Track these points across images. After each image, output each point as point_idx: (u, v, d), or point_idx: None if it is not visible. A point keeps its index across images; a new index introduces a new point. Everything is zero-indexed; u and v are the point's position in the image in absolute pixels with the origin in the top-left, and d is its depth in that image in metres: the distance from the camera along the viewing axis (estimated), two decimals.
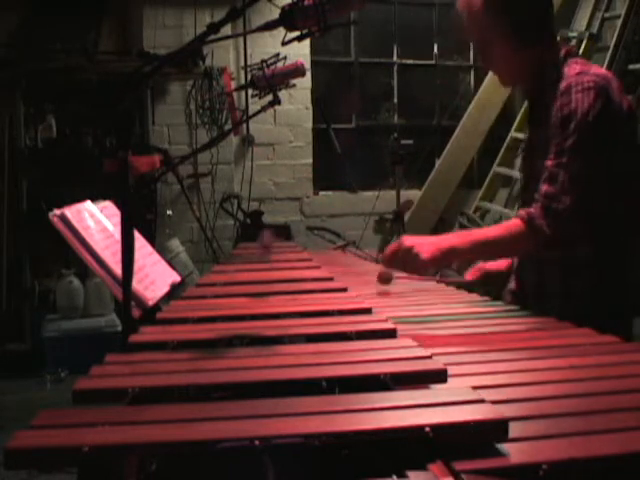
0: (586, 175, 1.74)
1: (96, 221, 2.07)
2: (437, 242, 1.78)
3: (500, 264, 2.13)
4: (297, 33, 1.47)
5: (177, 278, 2.26)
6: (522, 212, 1.77)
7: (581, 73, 1.80)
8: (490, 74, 6.22)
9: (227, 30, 2.48)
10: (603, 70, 1.91)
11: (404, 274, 1.93)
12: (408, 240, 1.78)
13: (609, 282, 1.86)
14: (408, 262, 1.76)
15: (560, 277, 1.87)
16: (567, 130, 1.75)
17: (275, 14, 1.47)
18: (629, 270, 1.88)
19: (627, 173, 1.83)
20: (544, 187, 1.76)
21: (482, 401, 0.93)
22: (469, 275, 2.17)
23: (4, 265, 5.18)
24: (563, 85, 1.80)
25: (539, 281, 1.93)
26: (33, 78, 5.15)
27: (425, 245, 1.75)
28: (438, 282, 2.18)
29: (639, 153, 1.88)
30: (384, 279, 2.00)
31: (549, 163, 1.77)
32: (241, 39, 5.86)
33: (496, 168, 6.08)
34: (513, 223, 1.78)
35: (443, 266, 2.07)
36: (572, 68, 1.83)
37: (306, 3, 1.42)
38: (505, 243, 1.79)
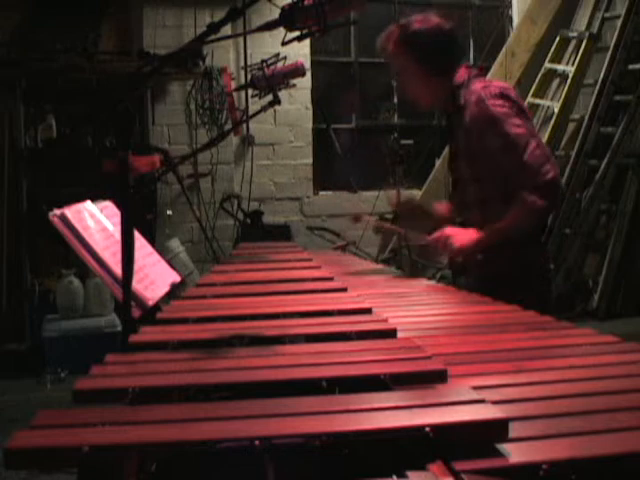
0: (544, 149, 2.16)
1: (96, 221, 2.07)
2: (468, 235, 2.21)
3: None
4: (297, 33, 1.47)
5: (177, 278, 2.26)
6: (520, 196, 2.12)
7: (486, 86, 2.23)
8: (493, 69, 6.23)
9: (227, 30, 2.49)
10: (503, 83, 2.42)
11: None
12: (449, 230, 2.23)
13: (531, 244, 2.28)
14: (446, 247, 2.22)
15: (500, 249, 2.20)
16: (502, 130, 2.14)
17: (275, 14, 1.47)
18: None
19: None
20: (524, 175, 2.12)
21: (482, 401, 0.93)
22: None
23: (4, 265, 5.18)
24: (473, 98, 2.22)
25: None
26: (33, 78, 5.15)
27: (460, 236, 2.21)
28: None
29: None
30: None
31: (515, 161, 2.13)
32: (241, 39, 5.86)
33: None
34: (516, 211, 2.15)
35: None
36: (476, 85, 2.25)
37: (306, 3, 1.42)
38: (514, 229, 2.18)
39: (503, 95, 2.19)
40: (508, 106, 2.17)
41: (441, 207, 2.62)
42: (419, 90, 2.33)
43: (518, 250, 2.20)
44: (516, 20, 6.63)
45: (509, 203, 2.15)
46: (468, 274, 2.35)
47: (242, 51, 5.83)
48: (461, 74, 2.30)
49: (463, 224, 2.34)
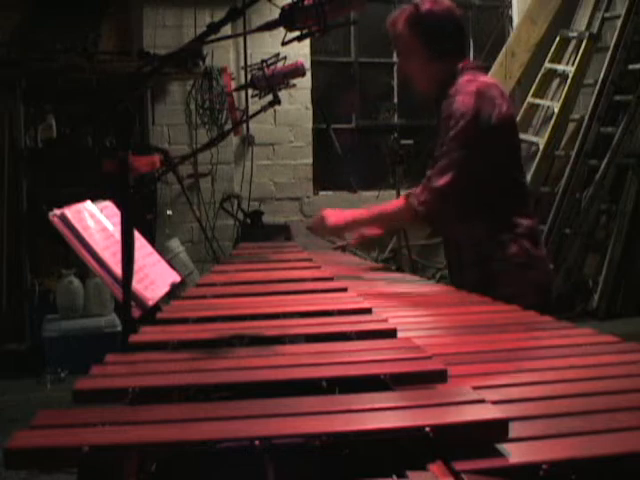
0: (463, 163, 2.12)
1: (96, 221, 2.07)
2: (343, 213, 2.35)
3: (375, 231, 2.50)
4: (297, 33, 1.47)
5: (177, 278, 2.26)
6: (408, 191, 2.20)
7: (469, 81, 2.20)
8: (493, 69, 6.23)
9: (227, 30, 2.49)
10: (490, 79, 2.38)
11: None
12: (325, 211, 2.36)
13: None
14: (320, 227, 2.39)
15: (473, 251, 2.25)
16: (449, 125, 2.14)
17: (275, 14, 1.47)
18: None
19: (506, 165, 2.24)
20: (428, 172, 2.17)
21: (482, 401, 0.93)
22: (353, 240, 2.56)
23: (4, 265, 5.18)
24: (452, 91, 2.21)
25: (458, 255, 2.33)
26: (33, 78, 5.15)
27: (334, 215, 2.34)
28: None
29: (517, 148, 2.34)
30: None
31: (436, 154, 2.18)
32: (241, 39, 5.86)
33: None
34: (400, 200, 2.24)
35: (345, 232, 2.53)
36: (464, 78, 2.22)
37: (306, 3, 1.42)
38: (392, 217, 2.28)
39: (478, 94, 2.15)
40: (472, 108, 2.12)
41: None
42: (419, 72, 2.32)
43: (514, 248, 2.21)
44: (516, 20, 6.63)
45: (479, 195, 2.17)
46: (466, 273, 2.34)
47: (242, 51, 5.84)
48: (461, 64, 2.28)
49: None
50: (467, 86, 2.18)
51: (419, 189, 2.17)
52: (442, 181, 2.12)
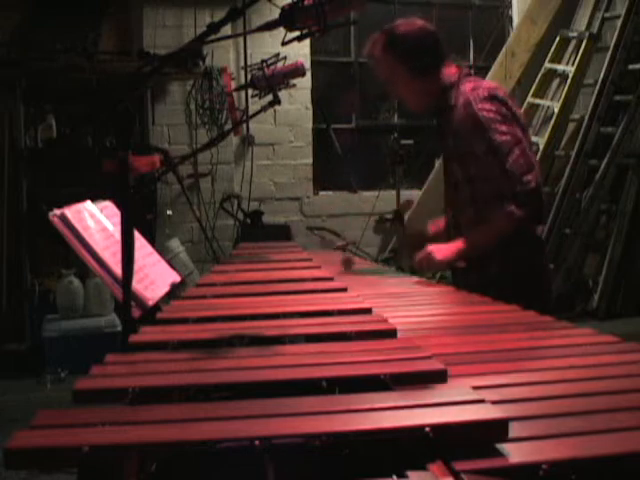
0: (529, 157, 2.18)
1: (96, 221, 2.07)
2: (449, 247, 2.27)
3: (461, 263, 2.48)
4: (297, 33, 1.46)
5: (177, 278, 2.26)
6: (499, 205, 2.18)
7: (475, 88, 2.25)
8: (493, 69, 6.23)
9: (227, 30, 2.49)
10: (491, 82, 2.48)
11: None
12: (430, 247, 2.26)
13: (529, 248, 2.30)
14: (428, 263, 2.26)
15: (494, 249, 2.24)
16: (486, 135, 2.17)
17: (275, 14, 1.47)
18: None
19: None
20: (505, 183, 2.16)
21: (482, 401, 0.93)
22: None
23: (4, 265, 5.18)
24: (461, 100, 2.25)
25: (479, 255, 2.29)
26: (33, 78, 5.15)
27: (440, 250, 2.25)
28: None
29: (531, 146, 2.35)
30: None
31: (497, 168, 2.16)
32: (241, 39, 5.85)
33: None
34: (494, 220, 2.21)
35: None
36: (466, 85, 2.27)
37: (306, 3, 1.42)
38: (492, 238, 2.23)
39: (492, 97, 2.22)
40: (495, 110, 2.20)
41: (434, 226, 2.62)
42: (407, 92, 2.37)
43: (516, 248, 2.22)
44: (516, 20, 6.63)
45: (502, 203, 2.18)
46: (469, 274, 2.35)
47: (242, 51, 5.83)
48: (451, 73, 2.33)
49: (457, 224, 2.38)
50: (477, 93, 2.23)
51: (507, 202, 2.16)
52: (533, 183, 2.16)
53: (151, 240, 3.19)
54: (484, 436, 0.86)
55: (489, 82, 2.46)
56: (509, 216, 2.16)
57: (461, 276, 2.39)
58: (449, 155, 2.40)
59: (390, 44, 2.31)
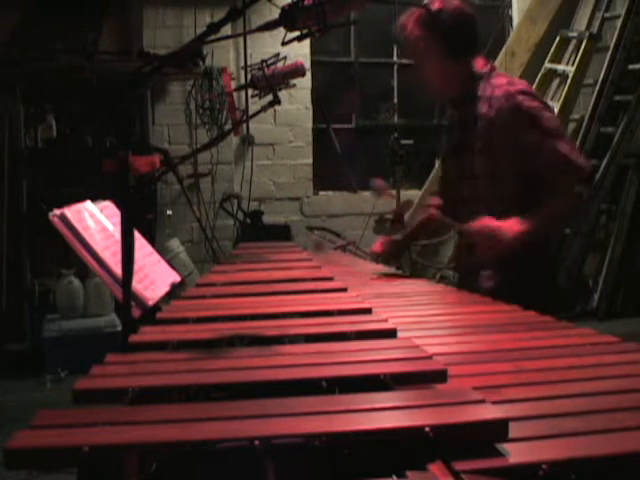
0: (573, 145, 2.20)
1: (96, 221, 2.06)
2: (512, 226, 2.07)
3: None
4: (297, 33, 1.46)
5: (177, 278, 2.26)
6: (564, 186, 2.11)
7: (511, 82, 2.22)
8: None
9: (227, 30, 2.48)
10: (522, 80, 2.44)
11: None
12: (490, 221, 2.08)
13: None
14: (496, 240, 2.06)
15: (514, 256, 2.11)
16: (539, 123, 2.11)
17: (275, 14, 1.47)
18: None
19: None
20: (566, 166, 2.10)
21: (482, 401, 0.93)
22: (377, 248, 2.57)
23: (4, 265, 5.18)
24: (498, 92, 2.18)
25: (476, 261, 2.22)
26: (33, 78, 5.15)
27: (510, 228, 2.06)
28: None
29: None
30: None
31: (555, 153, 2.10)
32: (241, 39, 5.86)
33: None
34: (561, 200, 2.12)
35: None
36: (500, 79, 2.23)
37: (306, 3, 1.42)
38: (561, 218, 2.30)
39: (529, 92, 2.20)
40: (537, 101, 2.18)
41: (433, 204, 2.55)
42: (436, 74, 2.27)
43: (532, 258, 2.17)
44: (516, 20, 6.63)
45: (525, 200, 2.14)
46: (481, 278, 2.26)
47: (242, 51, 5.83)
48: (481, 65, 2.27)
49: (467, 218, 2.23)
50: (516, 87, 2.19)
51: (575, 183, 2.11)
52: (590, 163, 2.22)
53: (151, 240, 3.19)
54: (484, 436, 0.86)
55: (520, 80, 2.46)
56: (578, 197, 2.13)
57: (468, 279, 2.31)
58: (465, 149, 2.27)
59: (425, 21, 2.21)
